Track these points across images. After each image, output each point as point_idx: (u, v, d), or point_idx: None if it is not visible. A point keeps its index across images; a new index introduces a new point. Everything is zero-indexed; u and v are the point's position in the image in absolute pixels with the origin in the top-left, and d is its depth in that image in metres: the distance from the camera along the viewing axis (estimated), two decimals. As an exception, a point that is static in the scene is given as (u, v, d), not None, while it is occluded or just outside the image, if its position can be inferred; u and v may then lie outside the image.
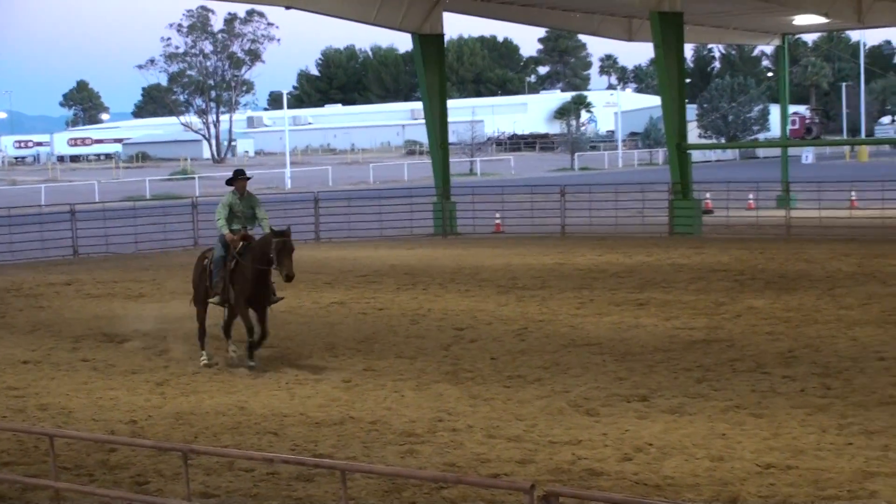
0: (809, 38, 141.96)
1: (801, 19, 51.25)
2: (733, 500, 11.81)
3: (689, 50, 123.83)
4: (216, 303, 20.38)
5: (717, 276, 29.41)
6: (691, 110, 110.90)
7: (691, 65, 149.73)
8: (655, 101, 79.83)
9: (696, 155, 55.37)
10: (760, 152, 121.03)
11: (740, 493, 11.98)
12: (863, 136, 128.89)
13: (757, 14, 50.93)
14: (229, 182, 20.59)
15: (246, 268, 19.69)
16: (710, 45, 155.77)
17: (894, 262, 30.61)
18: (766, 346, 20.04)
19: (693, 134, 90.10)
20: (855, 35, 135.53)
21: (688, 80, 64.12)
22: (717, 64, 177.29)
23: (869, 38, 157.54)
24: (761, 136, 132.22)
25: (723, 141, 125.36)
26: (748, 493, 11.98)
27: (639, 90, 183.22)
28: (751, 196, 50.67)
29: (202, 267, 20.75)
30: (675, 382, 17.33)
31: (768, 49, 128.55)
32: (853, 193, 50.07)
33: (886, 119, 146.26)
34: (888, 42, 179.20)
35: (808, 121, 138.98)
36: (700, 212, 43.99)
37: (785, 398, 16.14)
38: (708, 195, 48.98)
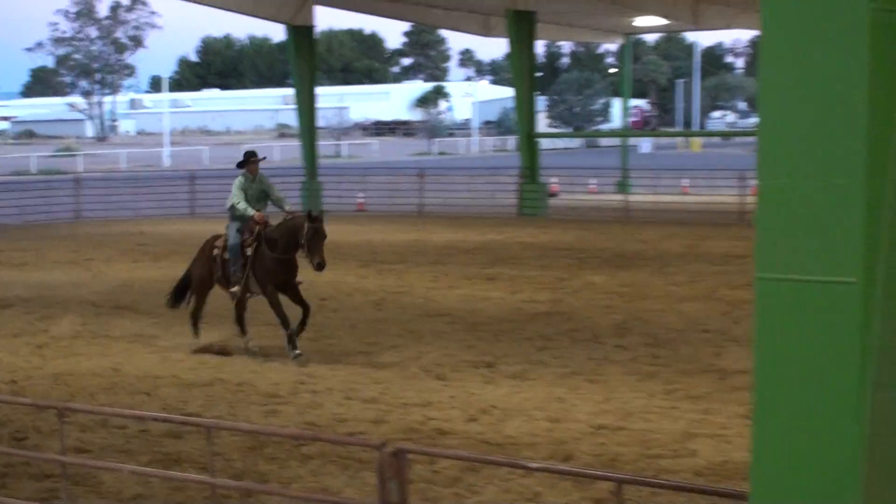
0: (650, 38, 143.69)
1: (642, 21, 51.79)
2: (568, 457, 11.91)
3: (540, 46, 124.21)
4: (237, 293, 17.65)
5: (560, 254, 29.67)
6: (541, 102, 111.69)
7: (542, 60, 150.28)
8: (509, 92, 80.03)
9: (544, 143, 55.65)
10: (603, 141, 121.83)
11: (574, 452, 12.09)
12: (695, 128, 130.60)
13: (603, 15, 51.43)
14: (241, 164, 18.19)
15: (268, 254, 17.23)
16: (559, 43, 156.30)
17: (720, 243, 31.11)
18: (602, 318, 20.26)
19: (542, 123, 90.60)
20: (690, 36, 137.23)
21: (539, 74, 64.38)
22: (565, 60, 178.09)
23: (703, 39, 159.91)
24: (604, 127, 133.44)
25: (569, 130, 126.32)
26: (581, 451, 12.09)
27: (494, 82, 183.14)
28: (593, 181, 51.12)
29: (210, 255, 18.09)
30: (519, 350, 17.45)
31: (612, 47, 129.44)
32: (685, 181, 50.85)
33: (717, 113, 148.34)
34: (720, 43, 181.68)
35: (646, 114, 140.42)
36: (546, 195, 44.46)
37: (618, 366, 16.33)
38: (554, 180, 49.31)
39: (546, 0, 44.04)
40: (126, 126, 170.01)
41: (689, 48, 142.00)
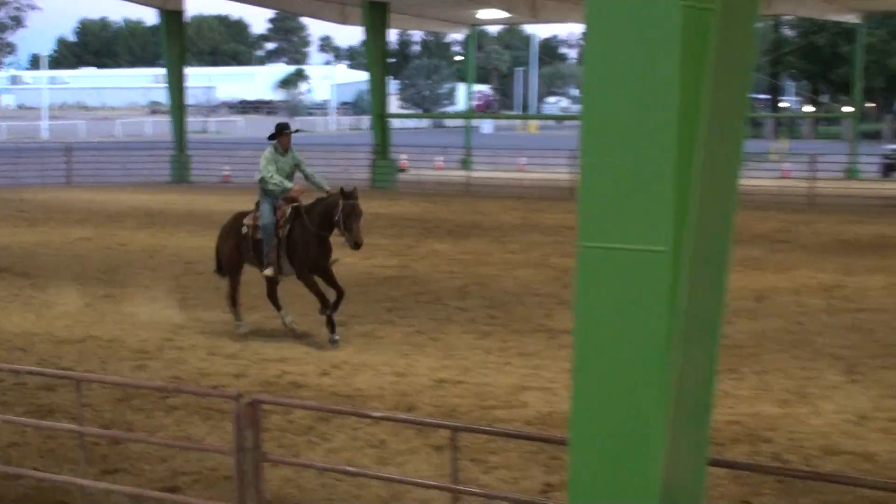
0: (493, 29, 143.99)
1: (485, 13, 52.01)
2: (411, 407, 11.98)
3: (393, 34, 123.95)
4: (271, 275, 15.48)
5: (408, 224, 29.71)
6: (393, 85, 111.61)
7: (395, 47, 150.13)
8: (364, 76, 79.85)
9: (395, 123, 55.58)
10: (449, 122, 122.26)
11: (417, 403, 12.16)
12: (532, 112, 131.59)
13: (450, 7, 51.55)
14: (272, 137, 15.68)
15: (305, 233, 15.12)
16: (410, 32, 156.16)
17: (552, 216, 31.38)
18: (445, 282, 20.35)
19: (394, 105, 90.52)
20: (529, 28, 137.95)
21: (391, 60, 64.43)
22: (416, 47, 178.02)
23: (540, 31, 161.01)
24: (450, 109, 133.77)
25: (418, 112, 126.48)
26: (423, 403, 12.17)
27: (351, 67, 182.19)
28: (439, 158, 51.35)
29: (237, 233, 15.81)
30: (369, 311, 17.44)
31: (459, 37, 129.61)
32: (522, 159, 51.35)
33: (552, 99, 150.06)
34: (555, 36, 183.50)
35: (488, 98, 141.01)
36: (396, 170, 44.59)
37: (458, 325, 16.43)
38: (404, 156, 49.39)
39: (398, -9, 44.14)
40: (6, 100, 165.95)
41: (528, 39, 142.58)
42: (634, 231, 5.23)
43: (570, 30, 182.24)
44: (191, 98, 53.06)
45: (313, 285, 15.24)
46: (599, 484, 5.48)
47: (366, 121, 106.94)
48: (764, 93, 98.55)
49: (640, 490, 5.36)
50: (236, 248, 15.78)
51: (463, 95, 75.97)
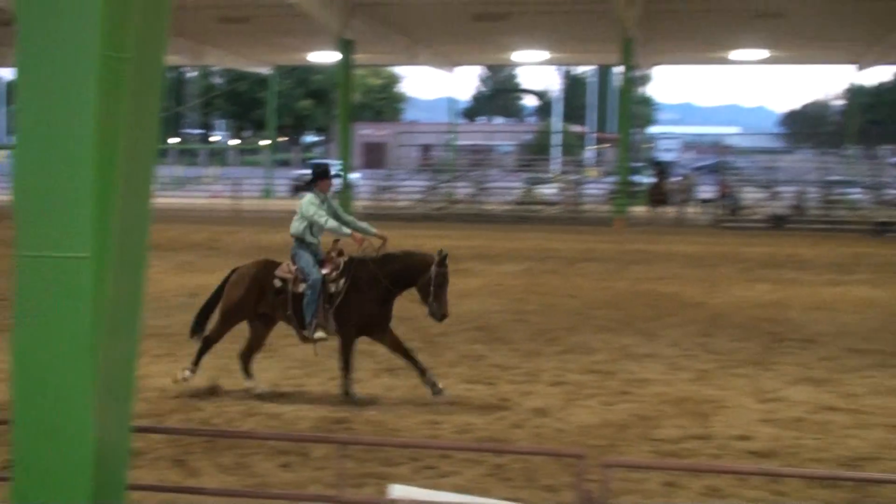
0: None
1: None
2: None
3: None
4: (323, 338, 11.04)
5: None
6: None
7: None
8: None
9: None
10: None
11: None
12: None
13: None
14: (310, 182, 11.38)
15: (371, 288, 10.90)
16: None
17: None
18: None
19: None
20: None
21: None
22: None
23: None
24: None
25: None
26: None
27: None
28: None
29: (264, 284, 11.20)
30: None
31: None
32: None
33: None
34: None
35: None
36: None
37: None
38: None
39: None
40: None
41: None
42: (62, 241, 5.19)
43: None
44: None
45: (350, 348, 11.06)
46: (41, 456, 5.38)
47: None
48: (199, 128, 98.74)
49: (76, 458, 5.31)
50: (253, 300, 11.26)
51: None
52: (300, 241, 11.16)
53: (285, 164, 79.42)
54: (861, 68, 52.62)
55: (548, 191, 42.19)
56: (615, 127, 59.66)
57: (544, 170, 52.48)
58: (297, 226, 11.14)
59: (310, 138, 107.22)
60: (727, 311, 17.34)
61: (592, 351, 13.64)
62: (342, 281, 10.93)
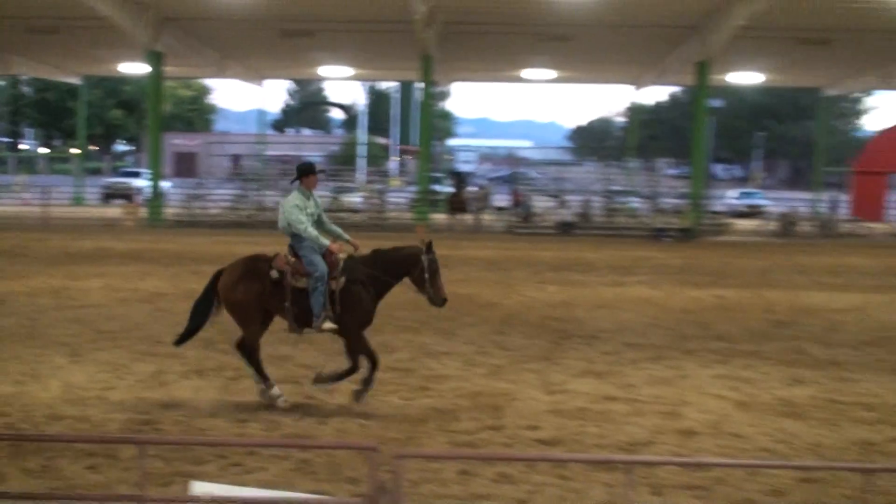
0: None
1: None
2: None
3: None
4: (332, 330, 10.41)
5: None
6: None
7: None
8: None
9: None
10: None
11: None
12: None
13: None
14: (297, 178, 10.65)
15: (373, 284, 10.41)
16: None
17: None
18: None
19: None
20: None
21: None
22: None
23: None
24: None
25: None
26: None
27: None
28: None
29: (261, 278, 10.45)
30: None
31: None
32: None
33: None
34: None
35: None
36: None
37: None
38: None
39: None
40: None
41: None
42: None
43: None
44: None
45: (365, 341, 10.52)
46: None
47: None
48: (7, 136, 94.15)
49: None
50: (261, 296, 10.45)
51: None
52: (296, 235, 10.54)
53: (96, 172, 76.86)
54: (639, 88, 54.86)
55: (354, 199, 42.15)
56: (417, 139, 60.21)
57: (350, 179, 52.39)
58: (281, 223, 10.61)
59: (121, 147, 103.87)
60: (519, 310, 17.75)
61: (395, 349, 13.72)
62: (342, 278, 10.43)
